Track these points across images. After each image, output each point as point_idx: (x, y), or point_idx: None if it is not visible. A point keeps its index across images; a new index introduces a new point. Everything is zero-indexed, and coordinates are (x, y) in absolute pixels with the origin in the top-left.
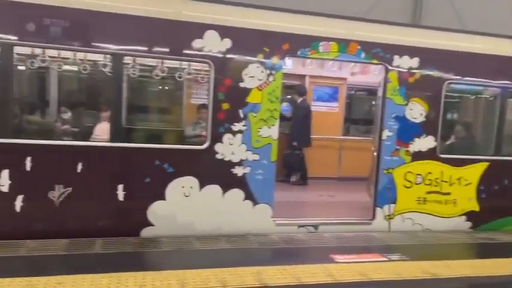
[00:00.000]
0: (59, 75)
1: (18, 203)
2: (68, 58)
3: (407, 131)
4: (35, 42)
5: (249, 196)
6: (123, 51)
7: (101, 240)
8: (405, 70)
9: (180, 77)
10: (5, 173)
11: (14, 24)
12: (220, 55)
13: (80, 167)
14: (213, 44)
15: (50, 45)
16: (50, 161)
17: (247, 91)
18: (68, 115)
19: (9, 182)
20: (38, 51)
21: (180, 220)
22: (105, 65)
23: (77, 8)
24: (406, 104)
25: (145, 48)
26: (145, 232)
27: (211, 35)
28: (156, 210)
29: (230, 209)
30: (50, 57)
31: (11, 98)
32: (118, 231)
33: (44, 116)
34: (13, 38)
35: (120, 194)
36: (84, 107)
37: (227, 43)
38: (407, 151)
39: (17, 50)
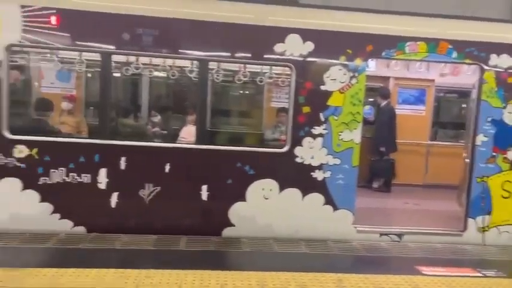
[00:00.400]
0: (150, 81)
1: (114, 199)
2: (158, 65)
3: (506, 136)
4: (129, 50)
5: (329, 201)
6: (208, 57)
7: (186, 238)
8: (504, 70)
9: (260, 81)
10: (103, 171)
11: (112, 34)
12: (301, 58)
13: (167, 167)
14: (294, 47)
15: (143, 53)
16: (142, 161)
17: (328, 94)
18: (157, 118)
19: (107, 179)
20: (132, 59)
21: (259, 222)
22: (191, 71)
23: (165, 17)
24: (505, 107)
25: (229, 54)
26: (227, 232)
27: (293, 39)
28: (237, 211)
29: (309, 213)
30: (142, 64)
31: (109, 103)
32: (201, 230)
33: (136, 119)
34: (111, 47)
35: (204, 194)
36: (171, 111)
37: (309, 46)
38: (506, 158)
39: (115, 58)
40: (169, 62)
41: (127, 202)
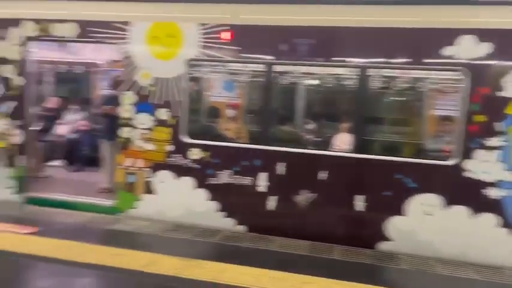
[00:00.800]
0: (305, 89)
1: (271, 202)
2: (313, 73)
3: None
4: (289, 60)
5: (505, 223)
6: (367, 64)
7: (339, 247)
8: None
9: (421, 87)
10: (263, 175)
11: (273, 45)
12: (476, 62)
13: (322, 174)
14: (466, 50)
15: (301, 62)
16: (298, 167)
17: (508, 101)
18: (312, 126)
19: (266, 183)
20: (290, 68)
21: (419, 239)
22: (347, 78)
23: (323, 26)
24: None
25: (390, 60)
26: (382, 246)
27: (465, 40)
28: (394, 225)
29: (480, 235)
30: (299, 73)
31: (270, 110)
32: (353, 240)
33: (292, 126)
34: (272, 58)
35: (359, 204)
36: (325, 118)
37: (486, 48)
38: None
39: (275, 68)
40: (324, 70)
41: (284, 206)
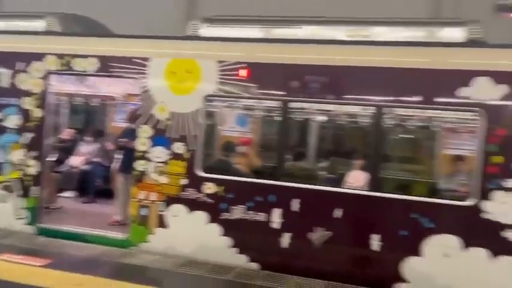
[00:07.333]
0: (318, 126)
1: (285, 239)
2: (329, 110)
3: None
4: (303, 97)
5: None
6: (383, 103)
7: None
8: None
9: (435, 127)
10: (277, 211)
11: (289, 83)
12: (493, 102)
13: (337, 212)
14: (484, 91)
15: (319, 100)
16: (312, 204)
17: None
18: (325, 163)
19: (280, 220)
20: (304, 105)
21: (438, 281)
22: (361, 116)
23: (334, 65)
24: None
25: (406, 99)
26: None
27: (481, 82)
28: (411, 266)
29: (502, 280)
30: (314, 110)
31: (285, 147)
32: (368, 281)
33: (306, 162)
34: (287, 95)
35: (375, 244)
36: (338, 155)
37: (503, 89)
38: None
39: (290, 105)
40: (338, 108)
41: (297, 243)
